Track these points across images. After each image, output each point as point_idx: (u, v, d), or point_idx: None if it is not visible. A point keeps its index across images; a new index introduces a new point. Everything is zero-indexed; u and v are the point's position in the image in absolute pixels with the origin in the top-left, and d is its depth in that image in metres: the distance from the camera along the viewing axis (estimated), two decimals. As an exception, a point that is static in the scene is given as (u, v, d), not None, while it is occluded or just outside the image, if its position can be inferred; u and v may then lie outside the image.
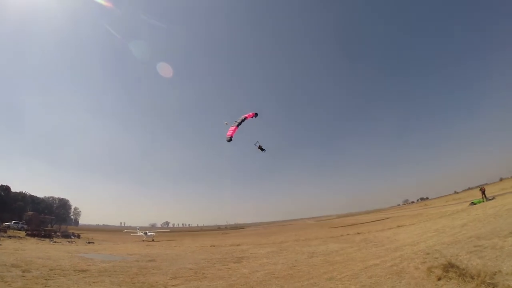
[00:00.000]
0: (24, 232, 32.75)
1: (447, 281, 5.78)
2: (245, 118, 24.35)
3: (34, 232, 32.82)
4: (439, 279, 5.96)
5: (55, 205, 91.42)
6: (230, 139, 27.23)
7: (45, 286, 8.54)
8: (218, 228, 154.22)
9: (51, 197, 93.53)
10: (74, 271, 11.35)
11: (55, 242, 30.21)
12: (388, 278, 7.03)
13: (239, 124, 26.50)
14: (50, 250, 20.74)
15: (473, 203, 24.45)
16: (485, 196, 25.85)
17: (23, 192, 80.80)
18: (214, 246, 25.92)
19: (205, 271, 11.59)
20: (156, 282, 9.57)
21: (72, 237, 38.68)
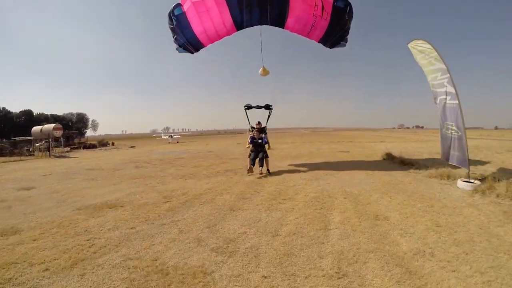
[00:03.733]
0: (68, 147, 38.63)
1: (386, 159, 14.44)
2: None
3: (80, 145, 40.71)
4: (384, 159, 14.67)
5: (73, 120, 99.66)
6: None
7: (176, 167, 13.71)
8: (218, 132, 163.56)
9: (69, 113, 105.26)
10: (175, 159, 18.61)
11: (105, 149, 37.20)
12: (365, 157, 16.08)
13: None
14: (118, 155, 26.66)
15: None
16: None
17: (44, 113, 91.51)
18: (240, 143, 34.88)
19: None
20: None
21: (107, 145, 46.67)
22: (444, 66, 8.29)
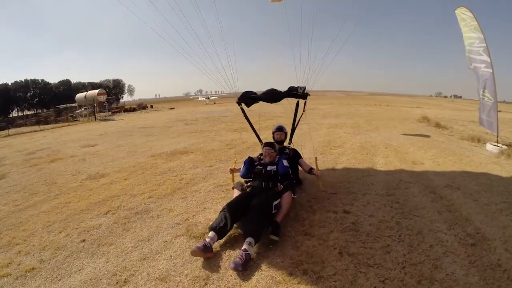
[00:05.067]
0: (110, 112, 39.82)
1: (422, 122, 14.99)
2: None
3: (120, 109, 42.40)
4: (420, 122, 15.26)
5: (110, 86, 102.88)
6: None
7: (225, 123, 15.65)
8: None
9: (106, 79, 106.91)
10: (220, 117, 19.98)
11: (146, 112, 38.67)
12: (401, 118, 16.78)
13: None
14: (162, 115, 27.87)
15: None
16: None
17: (81, 81, 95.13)
18: (279, 103, 36.44)
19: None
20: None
21: (146, 108, 48.77)
22: (482, 36, 8.83)
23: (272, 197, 3.77)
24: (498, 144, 8.31)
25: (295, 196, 4.22)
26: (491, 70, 8.54)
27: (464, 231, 3.57)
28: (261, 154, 4.79)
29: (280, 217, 3.69)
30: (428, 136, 10.60)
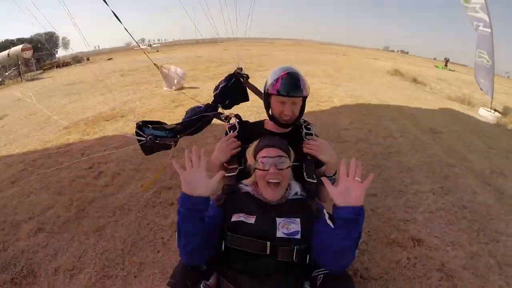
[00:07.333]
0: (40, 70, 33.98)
1: (395, 75, 13.94)
2: None
3: (53, 65, 36.92)
4: (392, 75, 14.21)
5: (42, 41, 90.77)
6: None
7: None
8: (197, 42, 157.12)
9: (37, 33, 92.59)
10: (163, 64, 17.26)
11: (80, 65, 34.13)
12: (370, 70, 15.79)
13: None
14: (97, 67, 21.76)
15: (437, 67, 32.83)
16: (446, 65, 33.71)
17: (9, 39, 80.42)
18: (226, 50, 32.79)
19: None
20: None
21: (82, 61, 43.06)
22: None
23: None
24: (491, 110, 7.84)
25: None
26: (489, 30, 7.74)
27: None
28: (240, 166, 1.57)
29: None
30: (414, 92, 9.67)
